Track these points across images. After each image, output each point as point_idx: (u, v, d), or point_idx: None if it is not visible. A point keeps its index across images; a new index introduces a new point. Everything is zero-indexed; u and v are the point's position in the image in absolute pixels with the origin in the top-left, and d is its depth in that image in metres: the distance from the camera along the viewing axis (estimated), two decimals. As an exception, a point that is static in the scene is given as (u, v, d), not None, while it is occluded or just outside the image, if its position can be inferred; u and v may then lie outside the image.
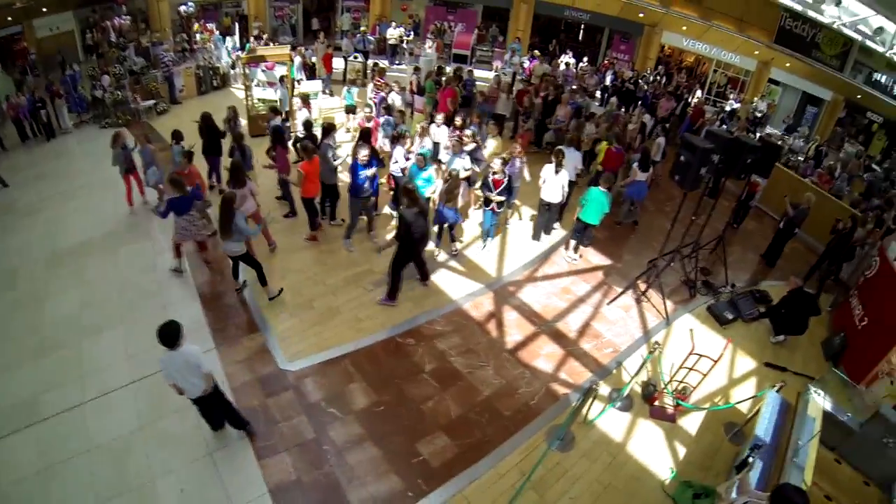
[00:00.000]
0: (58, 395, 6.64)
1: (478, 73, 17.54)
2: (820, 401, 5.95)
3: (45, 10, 16.34)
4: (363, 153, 8.40)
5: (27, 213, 10.83)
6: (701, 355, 6.59)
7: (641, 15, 19.77)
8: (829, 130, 19.04)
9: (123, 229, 9.76)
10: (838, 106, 18.96)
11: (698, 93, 17.80)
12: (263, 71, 13.41)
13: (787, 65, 18.83)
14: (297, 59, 15.76)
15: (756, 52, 19.28)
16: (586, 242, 9.75)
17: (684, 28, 19.76)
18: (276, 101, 13.43)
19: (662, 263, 8.83)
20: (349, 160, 9.21)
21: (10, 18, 15.80)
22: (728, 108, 17.35)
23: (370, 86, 13.89)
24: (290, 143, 10.71)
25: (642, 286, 9.00)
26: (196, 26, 16.94)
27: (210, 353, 7.22)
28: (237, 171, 8.24)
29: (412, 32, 20.04)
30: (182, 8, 17.20)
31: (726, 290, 9.29)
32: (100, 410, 6.47)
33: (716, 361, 6.54)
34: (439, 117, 10.96)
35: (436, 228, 9.12)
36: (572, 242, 9.69)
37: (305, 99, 12.34)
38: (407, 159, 9.36)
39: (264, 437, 6.19)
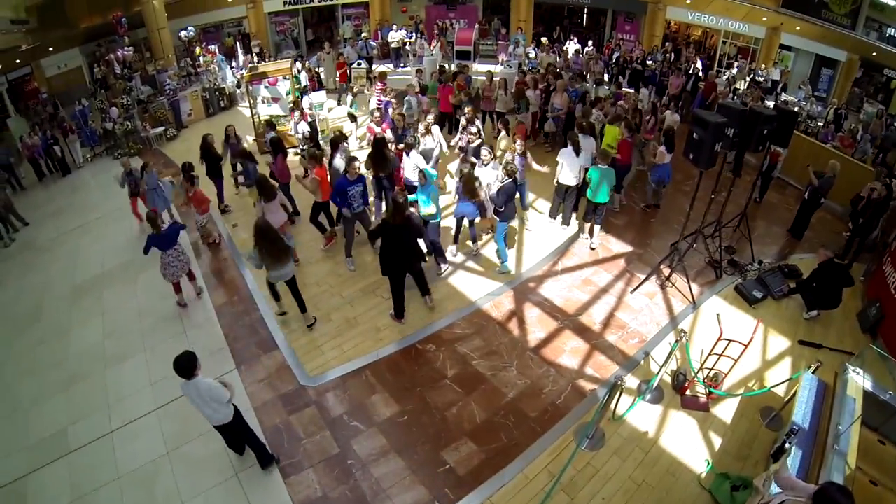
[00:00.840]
0: (86, 426, 6.74)
1: (483, 67, 17.30)
2: (859, 380, 5.62)
3: (51, 49, 16.60)
4: (355, 164, 8.10)
5: (47, 248, 11.09)
6: (730, 340, 6.29)
7: (643, -8, 19.37)
8: (847, 92, 18.34)
9: (139, 257, 9.60)
10: (854, 66, 18.21)
11: (698, 64, 17.23)
12: (266, 87, 13.36)
13: (798, 28, 18.19)
14: (303, 73, 15.81)
15: (764, 19, 18.68)
16: (599, 220, 9.41)
17: (688, 1, 19.27)
18: (282, 116, 13.52)
19: (685, 246, 8.52)
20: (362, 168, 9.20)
21: (18, 61, 16.09)
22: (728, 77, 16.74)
23: (374, 92, 13.72)
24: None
25: (666, 271, 8.69)
26: (198, 50, 17.01)
27: (231, 373, 7.23)
28: (264, 185, 8.25)
29: (414, 34, 19.88)
30: (182, 33, 17.31)
31: (753, 267, 8.90)
32: (127, 438, 6.53)
33: (746, 345, 6.21)
34: (430, 117, 10.64)
35: (454, 224, 9.04)
36: (587, 226, 9.46)
37: (302, 111, 12.39)
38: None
39: (289, 454, 6.13)
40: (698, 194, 8.02)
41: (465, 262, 9.08)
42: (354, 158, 8.17)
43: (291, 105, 12.68)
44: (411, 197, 8.36)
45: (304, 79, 15.75)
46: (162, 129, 14.98)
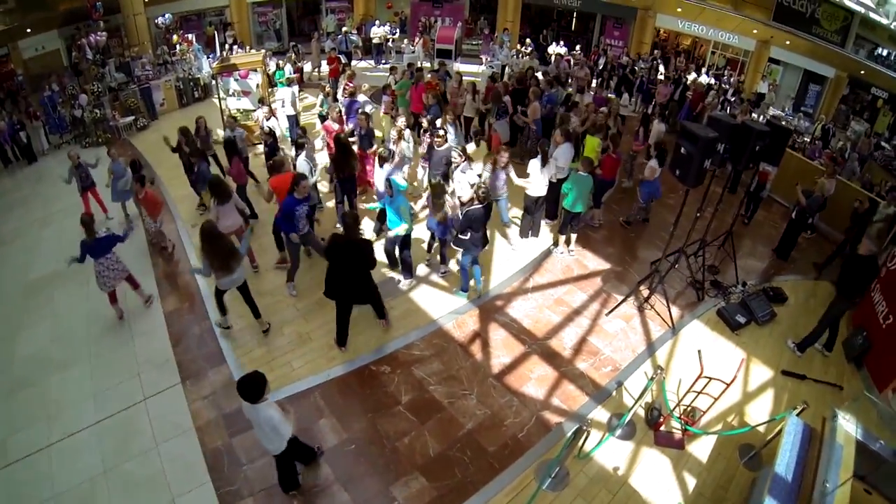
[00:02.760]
0: (25, 437, 6.22)
1: (465, 67, 16.65)
2: (850, 428, 5.06)
3: (29, 30, 15.71)
4: (304, 183, 7.08)
5: (5, 241, 10.35)
6: (711, 378, 5.76)
7: (634, -2, 18.78)
8: (833, 109, 17.91)
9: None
10: (842, 83, 17.82)
11: (694, 75, 16.73)
12: (236, 80, 12.62)
13: (787, 42, 17.82)
14: (288, 67, 14.97)
15: (754, 31, 18.28)
16: (575, 230, 8.88)
17: (679, 10, 18.76)
18: (251, 110, 12.81)
19: (666, 266, 7.94)
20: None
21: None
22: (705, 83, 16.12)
23: (339, 89, 13.02)
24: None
25: (645, 292, 8.10)
26: (175, 38, 16.13)
27: (175, 388, 6.63)
28: (218, 187, 7.54)
29: (398, 30, 19.16)
30: (159, 20, 16.42)
31: (737, 289, 8.37)
32: (65, 453, 6.02)
33: (728, 384, 5.71)
34: (401, 121, 9.95)
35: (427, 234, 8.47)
36: (562, 238, 8.88)
37: (270, 107, 11.36)
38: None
39: (228, 481, 5.55)
40: (683, 210, 7.46)
41: (429, 275, 8.43)
42: (303, 176, 7.20)
43: (259, 100, 11.97)
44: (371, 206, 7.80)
45: (288, 71, 14.87)
46: (132, 118, 14.14)
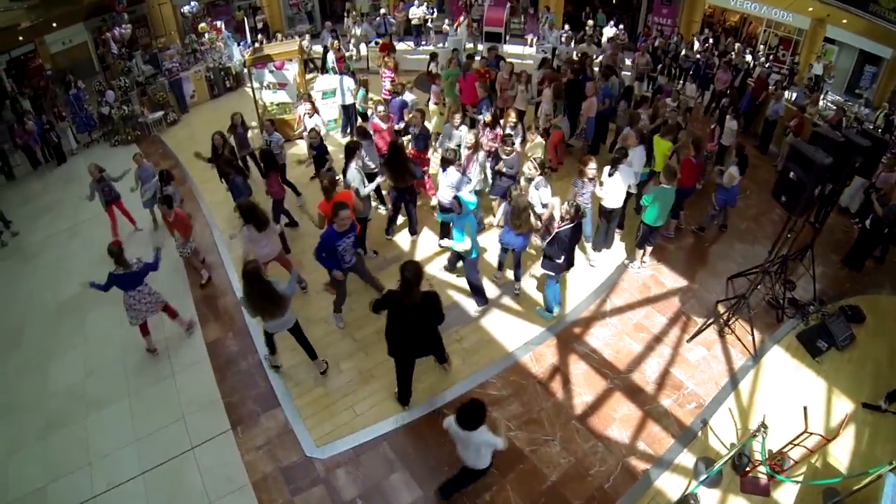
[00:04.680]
0: (67, 486, 5.67)
1: (510, 49, 15.34)
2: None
3: (55, 24, 14.88)
4: (343, 214, 5.94)
5: (34, 254, 9.68)
6: (812, 433, 5.13)
7: (684, -27, 17.29)
8: (888, 91, 16.46)
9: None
10: None
11: (747, 57, 15.21)
12: (272, 72, 11.63)
13: (844, 21, 16.26)
14: (331, 55, 13.61)
15: (810, 9, 16.72)
16: (653, 244, 7.96)
17: (732, -15, 17.24)
18: (289, 104, 11.85)
19: (746, 284, 7.09)
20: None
21: (21, 38, 14.41)
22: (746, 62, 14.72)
23: (383, 79, 11.75)
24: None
25: (723, 311, 7.24)
26: (202, 26, 15.11)
27: (224, 436, 5.90)
28: (251, 212, 6.54)
29: (435, 10, 17.84)
30: (185, 9, 15.39)
31: (815, 309, 7.43)
32: None
33: (829, 440, 5.19)
34: (456, 118, 8.93)
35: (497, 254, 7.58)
36: (639, 252, 7.94)
37: (313, 101, 10.47)
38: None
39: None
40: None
41: (500, 297, 7.50)
42: (343, 206, 6.06)
43: (302, 94, 10.81)
44: (452, 243, 6.85)
45: (331, 59, 13.55)
46: (161, 113, 13.28)
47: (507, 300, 7.42)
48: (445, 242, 6.85)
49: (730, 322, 7.11)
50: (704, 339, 7.00)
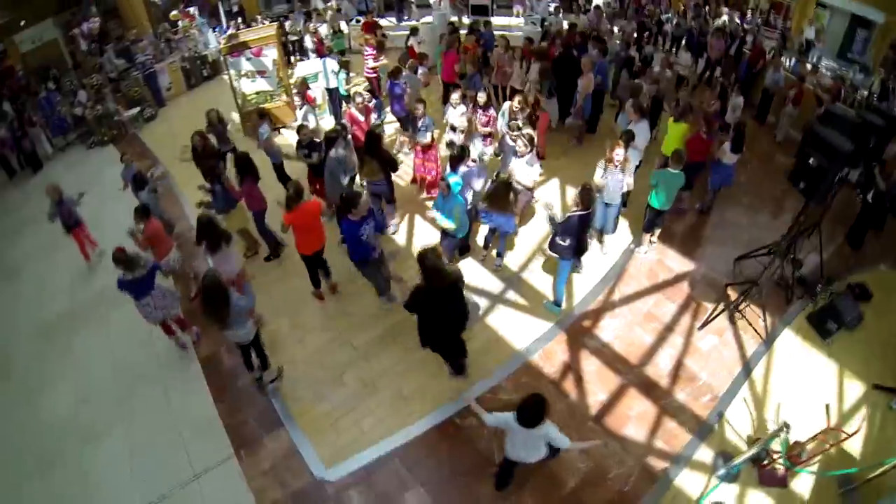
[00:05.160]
0: None
1: (497, 21, 14.54)
2: None
3: (23, 23, 13.89)
4: (362, 203, 5.60)
5: (13, 272, 9.09)
6: (835, 429, 5.05)
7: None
8: (881, 57, 16.00)
9: (111, 287, 7.59)
10: (892, 28, 15.81)
11: (723, 19, 14.64)
12: (249, 59, 10.85)
13: None
14: (308, 39, 12.99)
15: (802, -29, 16.11)
16: (661, 226, 7.64)
17: (721, -55, 16.49)
18: (270, 92, 11.18)
19: (754, 264, 6.91)
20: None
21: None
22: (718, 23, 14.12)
23: (365, 57, 11.02)
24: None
25: (733, 295, 6.96)
26: (174, 14, 14.23)
27: (228, 462, 5.56)
28: (207, 229, 6.07)
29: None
30: (155, -5, 14.51)
31: (822, 287, 7.13)
32: None
33: (850, 435, 4.98)
34: (455, 96, 8.36)
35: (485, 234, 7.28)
36: (646, 236, 7.59)
37: (305, 86, 9.56)
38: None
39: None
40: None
41: (505, 291, 7.11)
42: (357, 195, 5.68)
43: (295, 89, 10.15)
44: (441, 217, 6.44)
45: (308, 42, 12.99)
46: (137, 109, 12.59)
47: (511, 295, 7.05)
48: (433, 214, 6.48)
49: (740, 307, 6.82)
50: (715, 326, 6.70)
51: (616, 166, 6.74)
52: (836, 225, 8.24)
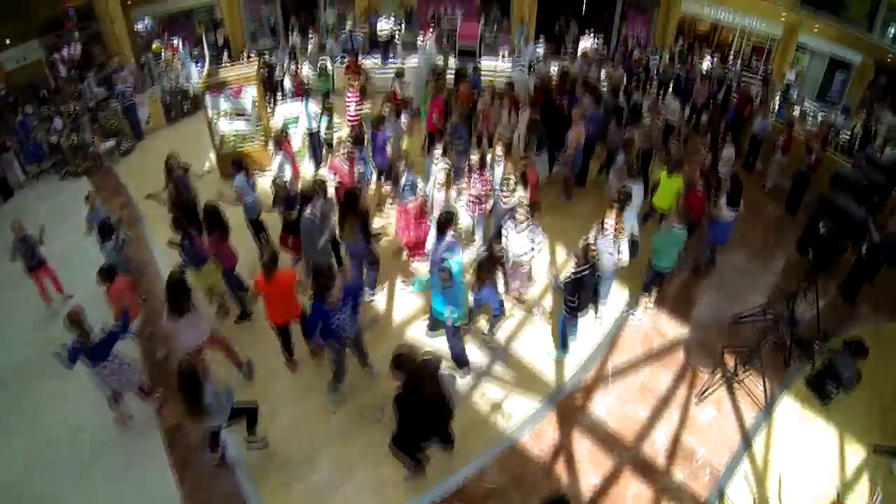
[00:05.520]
0: None
1: (484, 63, 14.30)
2: None
3: (8, 41, 13.34)
4: (336, 288, 4.97)
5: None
6: None
7: (658, -18, 16.67)
8: (860, 97, 16.22)
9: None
10: (868, 70, 16.10)
11: (706, 64, 14.66)
12: (226, 99, 10.30)
13: (816, 29, 16.05)
14: (288, 81, 12.42)
15: (783, 17, 16.36)
16: (659, 289, 7.33)
17: (707, -6, 16.72)
18: (248, 133, 10.57)
19: (750, 327, 6.73)
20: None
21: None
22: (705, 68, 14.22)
23: (347, 102, 10.27)
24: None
25: (730, 361, 6.66)
26: (156, 45, 13.73)
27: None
28: (177, 291, 5.50)
29: (403, 23, 16.75)
30: (139, 26, 14.01)
31: (818, 346, 6.89)
32: None
33: None
34: (437, 152, 7.86)
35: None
36: (643, 297, 7.26)
37: (284, 135, 8.75)
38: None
39: None
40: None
41: (492, 365, 6.62)
42: (330, 277, 5.02)
43: (275, 134, 9.33)
44: (416, 282, 6.12)
45: (287, 84, 12.47)
46: (114, 142, 12.00)
47: (498, 369, 6.56)
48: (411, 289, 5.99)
49: (738, 374, 6.52)
50: (713, 395, 6.37)
51: (606, 235, 6.36)
52: (828, 278, 7.91)
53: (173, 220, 6.56)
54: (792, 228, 9.58)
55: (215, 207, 6.65)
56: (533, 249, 6.48)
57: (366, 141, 8.37)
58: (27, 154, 11.79)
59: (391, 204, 8.81)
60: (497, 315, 6.37)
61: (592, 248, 5.74)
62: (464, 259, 5.95)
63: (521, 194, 7.20)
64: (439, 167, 7.26)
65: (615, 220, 6.36)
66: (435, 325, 6.48)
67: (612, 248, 6.33)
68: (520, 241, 6.39)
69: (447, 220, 6.10)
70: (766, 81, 15.85)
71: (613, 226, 6.32)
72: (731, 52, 17.89)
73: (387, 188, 8.46)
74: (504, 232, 6.57)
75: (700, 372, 6.66)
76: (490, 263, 5.75)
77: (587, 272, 5.65)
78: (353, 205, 6.49)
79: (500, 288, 6.00)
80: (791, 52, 16.99)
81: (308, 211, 6.45)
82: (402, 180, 7.25)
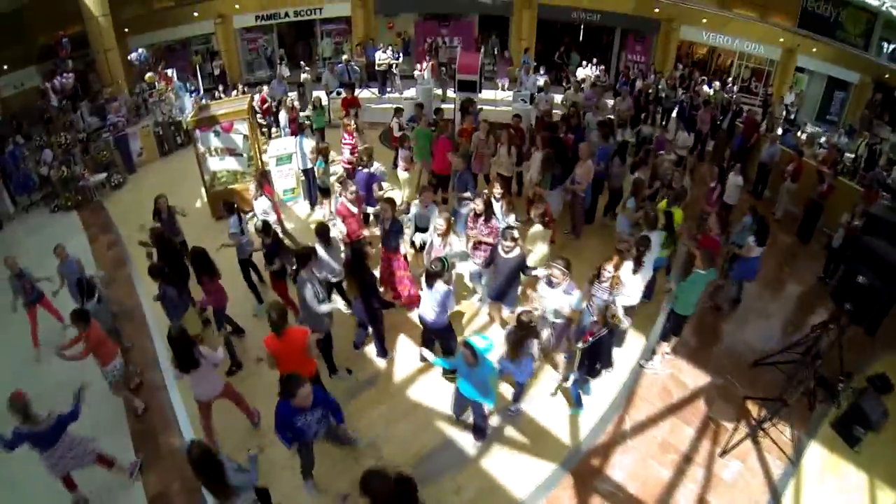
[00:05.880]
0: None
1: (483, 94, 13.78)
2: None
3: (6, 67, 13.04)
4: (301, 393, 4.20)
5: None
6: None
7: (657, 10, 16.47)
8: (859, 116, 16.00)
9: (53, 387, 6.09)
10: (867, 88, 16.13)
11: (707, 89, 14.29)
12: (216, 135, 9.63)
13: (814, 50, 16.06)
14: (283, 116, 11.91)
15: (781, 40, 16.26)
16: (678, 336, 6.74)
17: (704, 21, 16.55)
18: (241, 173, 10.02)
19: (775, 373, 6.33)
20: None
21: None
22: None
23: (343, 145, 9.61)
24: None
25: (752, 409, 6.21)
26: (149, 76, 13.32)
27: None
28: (179, 346, 4.94)
29: (400, 54, 16.48)
30: (132, 56, 13.60)
31: (843, 385, 6.38)
32: None
33: None
34: (427, 197, 7.29)
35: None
36: (661, 345, 6.70)
37: (265, 177, 8.34)
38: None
39: None
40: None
41: (502, 428, 5.96)
42: (297, 381, 4.24)
43: (258, 174, 8.62)
44: (438, 360, 5.46)
45: (283, 119, 11.91)
46: (104, 175, 11.49)
47: (510, 432, 5.92)
48: (428, 355, 5.41)
49: (763, 424, 6.01)
50: (738, 449, 5.84)
51: (602, 283, 5.80)
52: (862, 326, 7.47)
53: (150, 269, 6.03)
54: (805, 257, 9.24)
55: (203, 251, 6.17)
56: (570, 305, 5.75)
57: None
58: (17, 185, 11.32)
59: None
60: (523, 384, 5.80)
61: (613, 310, 5.16)
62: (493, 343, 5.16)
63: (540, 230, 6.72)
64: (442, 214, 6.65)
65: (615, 269, 5.82)
66: (462, 409, 5.74)
67: (608, 297, 5.73)
68: (555, 296, 5.77)
69: (438, 272, 5.51)
70: (765, 104, 15.58)
71: (612, 276, 5.75)
72: (731, 77, 17.67)
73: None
74: (538, 293, 5.97)
75: (722, 423, 6.13)
76: (521, 336, 5.11)
77: (605, 335, 5.08)
78: (357, 265, 5.91)
79: (536, 353, 5.41)
80: (790, 74, 16.91)
81: (304, 277, 5.61)
82: (386, 224, 6.69)
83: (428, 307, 5.70)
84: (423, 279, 5.82)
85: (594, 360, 5.15)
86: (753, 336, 7.37)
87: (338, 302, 5.87)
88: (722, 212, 7.68)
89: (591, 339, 5.10)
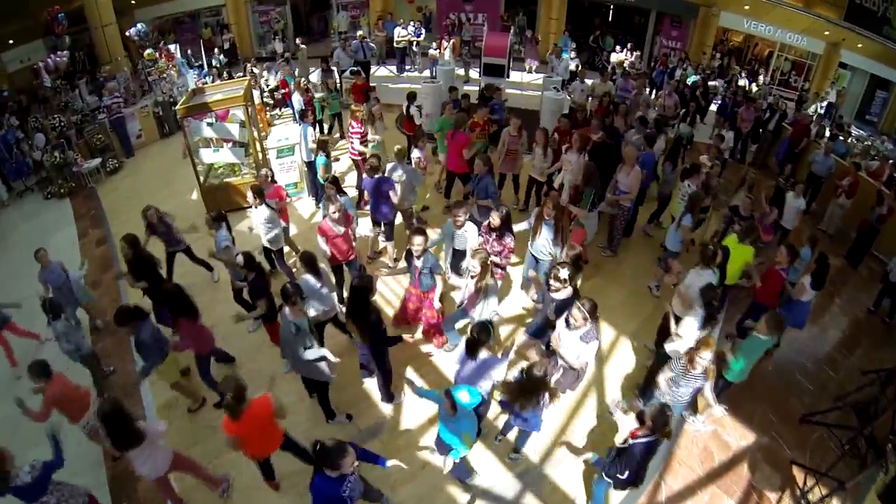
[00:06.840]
0: None
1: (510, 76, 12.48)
2: None
3: (11, 41, 12.07)
4: (346, 462, 3.40)
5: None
6: None
7: (697, -8, 14.97)
8: None
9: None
10: None
11: (744, 82, 12.92)
12: (210, 125, 8.42)
13: (860, 45, 14.55)
14: (297, 98, 10.52)
15: (826, 33, 14.79)
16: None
17: (746, 7, 15.00)
18: (238, 164, 8.92)
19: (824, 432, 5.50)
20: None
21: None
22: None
23: (350, 136, 8.42)
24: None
25: (799, 475, 5.30)
26: (148, 52, 12.14)
27: None
28: (113, 424, 3.99)
29: (423, 30, 15.08)
30: (131, 32, 12.41)
31: (892, 448, 5.26)
32: None
33: None
34: (460, 215, 5.72)
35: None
36: (715, 405, 5.22)
37: (267, 181, 7.07)
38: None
39: None
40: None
41: (520, 495, 5.02)
42: (338, 450, 3.40)
43: (257, 180, 7.41)
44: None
45: (297, 102, 10.49)
46: (98, 160, 10.49)
47: (530, 499, 5.00)
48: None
49: (809, 494, 5.13)
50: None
51: (694, 372, 4.56)
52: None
53: (115, 316, 4.95)
54: (856, 283, 8.20)
55: (177, 289, 5.11)
56: (579, 358, 4.77)
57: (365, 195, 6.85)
58: (11, 170, 10.43)
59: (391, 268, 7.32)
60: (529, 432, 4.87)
61: (669, 411, 4.05)
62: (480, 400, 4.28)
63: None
64: (477, 258, 5.23)
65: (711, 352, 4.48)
66: (443, 449, 4.73)
67: (696, 386, 4.63)
68: (570, 343, 4.77)
69: (479, 340, 4.37)
70: (799, 100, 14.25)
71: (708, 363, 4.50)
72: (769, 69, 16.21)
73: (384, 246, 6.98)
74: (556, 332, 4.95)
75: (767, 494, 5.20)
76: (531, 389, 4.14)
77: (651, 440, 3.99)
78: (360, 306, 4.78)
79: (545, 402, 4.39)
80: (833, 70, 15.42)
81: (287, 317, 4.66)
82: (419, 262, 5.43)
83: (466, 378, 4.49)
84: (460, 348, 4.68)
85: (622, 467, 4.16)
86: (801, 383, 6.40)
87: (325, 351, 4.78)
88: (788, 241, 6.51)
89: (631, 440, 4.06)
